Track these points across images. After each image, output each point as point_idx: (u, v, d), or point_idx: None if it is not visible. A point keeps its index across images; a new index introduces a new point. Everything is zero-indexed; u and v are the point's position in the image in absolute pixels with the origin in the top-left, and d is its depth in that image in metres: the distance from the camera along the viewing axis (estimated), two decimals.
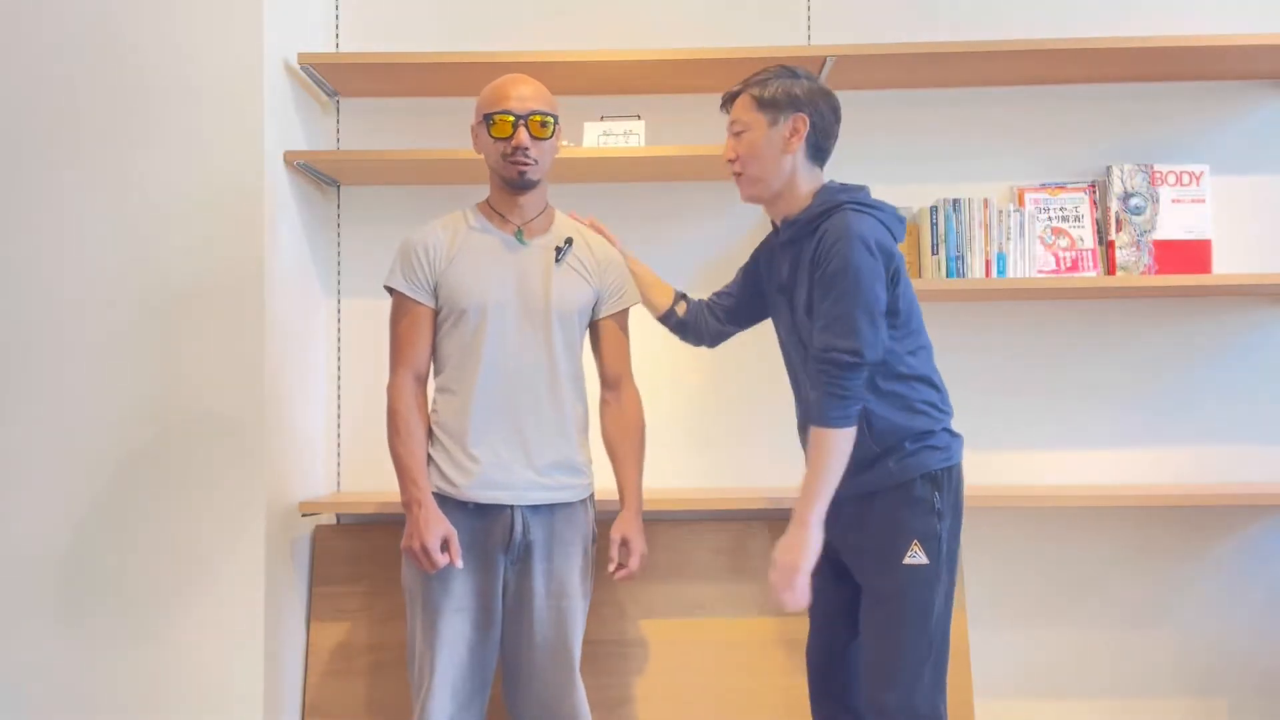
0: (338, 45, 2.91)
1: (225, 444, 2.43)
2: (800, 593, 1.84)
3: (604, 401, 2.19)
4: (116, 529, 2.43)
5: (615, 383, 2.19)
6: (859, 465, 1.92)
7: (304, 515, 2.64)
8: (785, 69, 2.00)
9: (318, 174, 2.73)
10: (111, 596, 2.43)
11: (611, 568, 2.10)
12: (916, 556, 1.89)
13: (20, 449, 2.45)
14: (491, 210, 2.12)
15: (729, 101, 2.04)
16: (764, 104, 1.97)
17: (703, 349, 2.80)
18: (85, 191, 2.46)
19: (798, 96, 1.96)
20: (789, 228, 1.99)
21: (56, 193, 2.46)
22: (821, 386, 1.85)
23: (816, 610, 2.11)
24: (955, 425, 2.12)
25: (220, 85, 2.46)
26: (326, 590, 2.70)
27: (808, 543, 1.85)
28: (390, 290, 2.09)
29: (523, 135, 2.02)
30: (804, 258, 1.95)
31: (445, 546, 1.98)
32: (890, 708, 1.89)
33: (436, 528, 1.98)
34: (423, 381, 2.08)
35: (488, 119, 2.03)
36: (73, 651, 2.43)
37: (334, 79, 2.76)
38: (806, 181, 2.00)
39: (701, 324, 2.31)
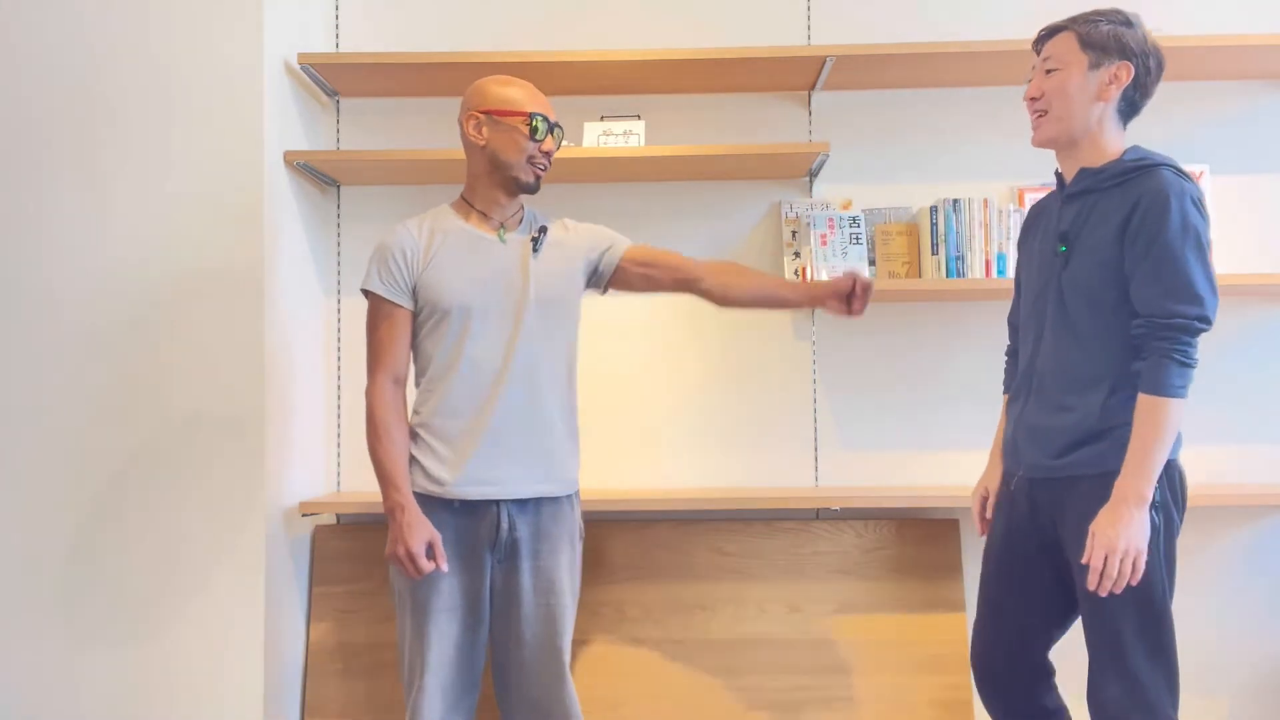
0: (338, 45, 2.91)
1: (225, 444, 2.43)
2: (1140, 570, 1.74)
3: (699, 284, 2.13)
4: (116, 529, 2.43)
5: (689, 266, 2.14)
6: (1073, 440, 1.84)
7: (304, 515, 2.64)
8: (1119, 13, 1.87)
9: (318, 174, 2.73)
10: (111, 596, 2.43)
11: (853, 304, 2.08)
12: None
13: (20, 448, 2.45)
14: (470, 208, 2.11)
15: (1048, 37, 1.91)
16: (1089, 43, 1.85)
17: (702, 347, 2.80)
18: (86, 191, 2.46)
19: (1128, 45, 1.84)
20: (1087, 177, 1.87)
21: (57, 192, 2.46)
22: (1163, 353, 1.74)
23: (1001, 604, 2.00)
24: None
25: (220, 85, 2.46)
26: (326, 590, 2.70)
27: (1146, 521, 1.74)
28: (366, 293, 2.07)
29: (551, 141, 2.06)
30: (1103, 210, 1.83)
31: (430, 552, 1.98)
32: (1113, 702, 1.80)
33: (421, 533, 1.97)
34: (402, 384, 2.07)
35: (531, 118, 2.03)
36: (73, 651, 2.43)
37: (334, 79, 2.76)
38: (1112, 135, 1.88)
39: None
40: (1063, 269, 1.89)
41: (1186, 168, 2.69)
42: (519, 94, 2.06)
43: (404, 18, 2.91)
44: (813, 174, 2.83)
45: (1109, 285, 1.82)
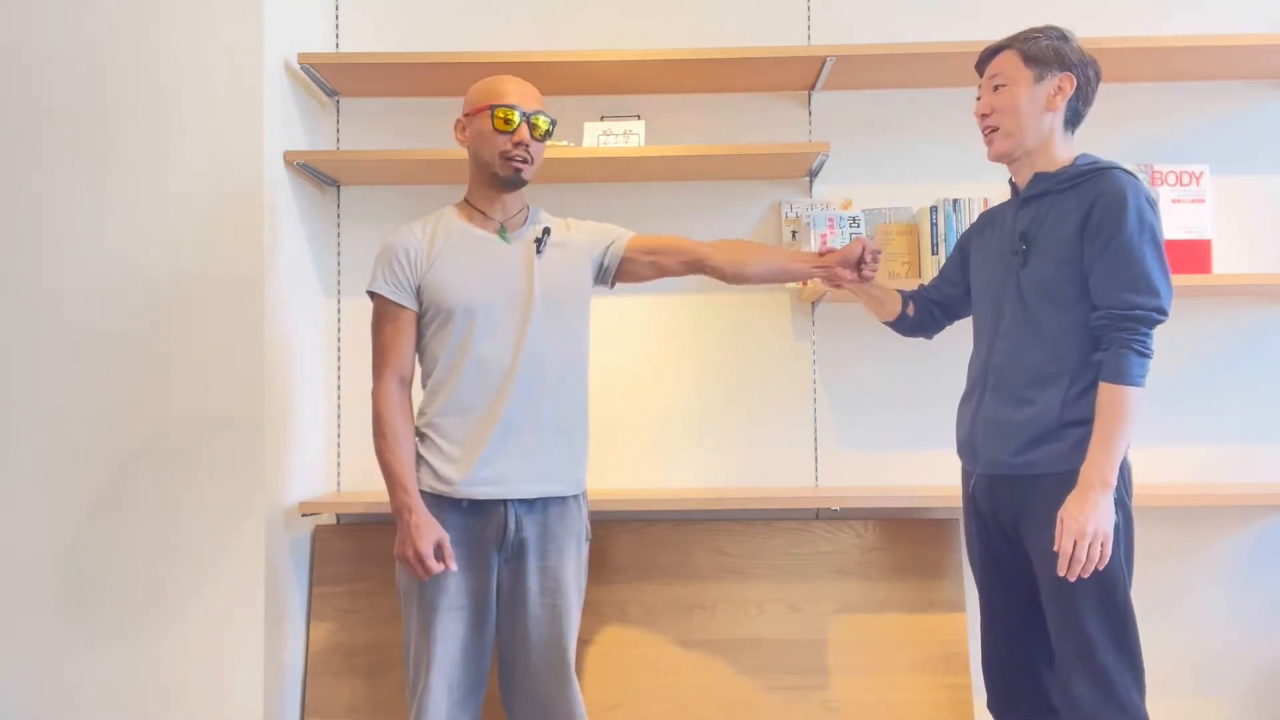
0: (338, 45, 2.91)
1: (225, 444, 2.43)
2: (1107, 555, 1.81)
3: (708, 262, 2.17)
4: (117, 529, 2.43)
5: (694, 247, 2.18)
6: (1034, 436, 1.89)
7: (304, 515, 2.64)
8: (1055, 29, 1.96)
9: (318, 174, 2.73)
10: (111, 596, 2.43)
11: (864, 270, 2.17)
12: None
13: (19, 449, 2.45)
14: (472, 209, 2.12)
15: (990, 57, 2.01)
16: (1031, 59, 1.94)
17: (702, 347, 2.80)
18: (86, 191, 2.46)
19: (1067, 56, 1.93)
20: (1043, 181, 1.95)
21: (57, 192, 2.46)
22: (1123, 343, 1.81)
23: (991, 606, 2.05)
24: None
25: (220, 85, 2.46)
26: (326, 590, 2.70)
27: (1111, 505, 1.80)
28: (371, 295, 2.07)
29: (525, 132, 2.04)
30: (1060, 211, 1.91)
31: (439, 552, 1.98)
32: (1084, 699, 1.84)
33: (429, 534, 1.97)
34: (407, 385, 2.07)
35: (492, 111, 2.03)
36: (73, 651, 2.43)
37: (334, 79, 2.76)
38: (1062, 143, 1.97)
39: (928, 319, 2.27)
40: (1021, 268, 1.96)
41: (1187, 167, 2.72)
42: (490, 90, 2.06)
43: (404, 18, 2.91)
44: (813, 174, 2.83)
45: (1069, 282, 1.89)
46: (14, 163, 2.47)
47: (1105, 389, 1.82)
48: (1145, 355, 1.82)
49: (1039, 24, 2.01)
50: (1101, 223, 1.85)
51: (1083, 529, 1.78)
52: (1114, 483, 1.81)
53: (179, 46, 2.46)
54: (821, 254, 2.21)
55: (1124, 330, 1.82)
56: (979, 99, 2.02)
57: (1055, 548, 1.81)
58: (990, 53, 2.02)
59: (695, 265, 2.19)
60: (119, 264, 2.45)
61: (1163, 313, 1.83)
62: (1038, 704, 2.01)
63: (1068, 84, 1.93)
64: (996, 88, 1.98)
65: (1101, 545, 1.79)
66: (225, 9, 2.46)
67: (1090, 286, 1.87)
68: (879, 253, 2.17)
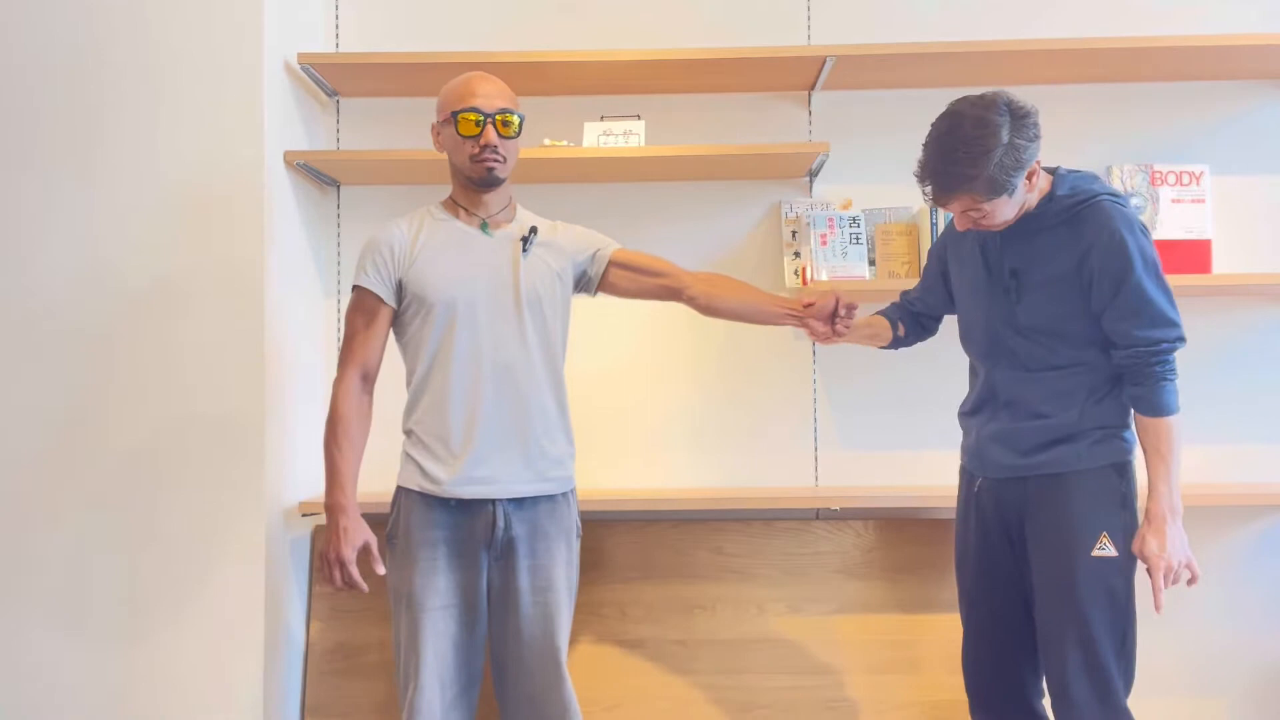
0: (338, 45, 2.91)
1: (225, 444, 2.43)
2: (1196, 575, 1.89)
3: (685, 291, 2.16)
4: (116, 528, 2.43)
5: (676, 274, 2.17)
6: (1048, 440, 1.92)
7: (304, 515, 2.64)
8: (987, 131, 1.78)
9: (318, 174, 2.73)
10: (111, 596, 2.43)
11: (836, 324, 2.14)
12: (1105, 549, 1.87)
13: (18, 448, 2.45)
14: (456, 206, 2.12)
15: (950, 199, 1.87)
16: (997, 189, 1.82)
17: (702, 347, 2.80)
18: (85, 190, 2.46)
19: (1018, 158, 1.81)
20: (1029, 220, 1.93)
21: (56, 191, 2.46)
22: (1157, 377, 1.87)
23: (979, 611, 2.06)
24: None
25: (220, 85, 2.46)
26: (326, 590, 2.70)
27: (1182, 531, 1.88)
28: (354, 288, 2.08)
29: (491, 133, 2.02)
30: (1052, 246, 1.91)
31: (365, 556, 1.99)
32: (1080, 702, 1.86)
33: (356, 539, 1.98)
34: (370, 381, 2.07)
35: (455, 116, 2.02)
36: (73, 651, 2.43)
37: (334, 79, 2.76)
38: (1037, 183, 1.92)
39: (919, 330, 2.30)
40: (1016, 303, 1.96)
41: (1187, 167, 2.72)
42: (453, 94, 2.06)
43: (404, 18, 2.91)
44: (813, 174, 2.83)
45: (1070, 317, 1.92)
46: (12, 163, 2.47)
47: (1149, 424, 1.88)
48: (1175, 380, 1.88)
49: (953, 170, 1.82)
50: (1106, 268, 1.86)
51: (1170, 565, 1.85)
52: (1180, 509, 1.87)
53: (179, 46, 2.46)
54: (805, 305, 2.15)
55: (1156, 364, 1.87)
56: (953, 216, 1.93)
57: (1155, 588, 1.85)
58: (943, 200, 1.87)
59: (673, 293, 2.18)
60: (119, 264, 2.45)
61: (1183, 339, 1.88)
62: (1019, 708, 2.02)
63: (1035, 168, 1.87)
64: (980, 218, 1.89)
65: (1189, 567, 1.87)
66: (225, 9, 2.46)
67: (1105, 328, 1.90)
68: (854, 307, 2.13)
